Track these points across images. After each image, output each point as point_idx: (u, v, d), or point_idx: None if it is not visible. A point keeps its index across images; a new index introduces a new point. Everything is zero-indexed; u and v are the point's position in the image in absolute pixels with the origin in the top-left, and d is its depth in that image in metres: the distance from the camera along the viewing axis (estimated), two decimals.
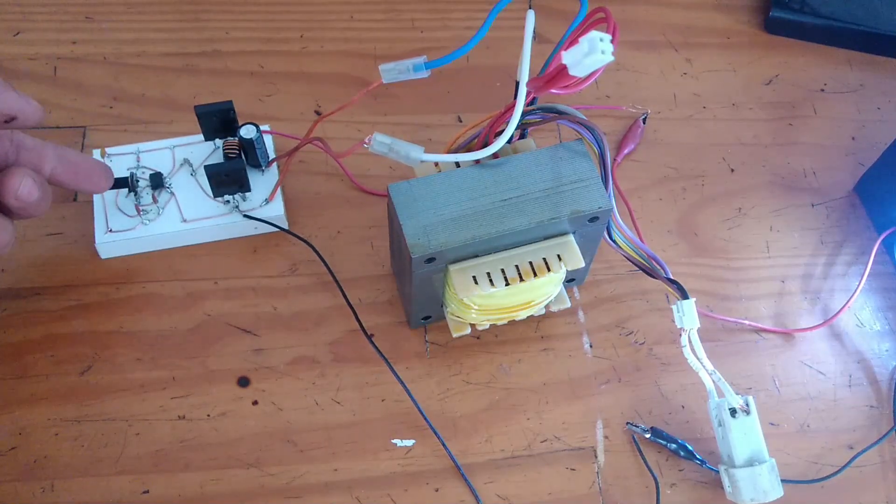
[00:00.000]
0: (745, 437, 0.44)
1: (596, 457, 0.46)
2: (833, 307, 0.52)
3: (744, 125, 0.58)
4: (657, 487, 0.46)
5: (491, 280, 0.42)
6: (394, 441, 0.46)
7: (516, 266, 0.42)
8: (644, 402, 0.48)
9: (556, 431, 0.47)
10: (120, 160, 0.50)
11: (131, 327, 0.48)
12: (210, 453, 0.45)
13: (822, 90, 0.60)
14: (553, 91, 0.39)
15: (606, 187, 0.43)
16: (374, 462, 0.45)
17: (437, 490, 0.45)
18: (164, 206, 0.49)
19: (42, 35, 0.57)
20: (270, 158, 0.50)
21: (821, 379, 0.50)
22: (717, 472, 0.45)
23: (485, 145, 0.43)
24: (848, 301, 0.51)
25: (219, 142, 0.51)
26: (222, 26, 0.58)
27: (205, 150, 0.51)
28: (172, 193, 0.50)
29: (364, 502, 0.44)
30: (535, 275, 0.42)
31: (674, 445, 0.46)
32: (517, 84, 0.41)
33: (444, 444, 0.46)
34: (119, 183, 0.48)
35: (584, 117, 0.43)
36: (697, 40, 0.62)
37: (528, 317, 0.48)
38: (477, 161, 0.43)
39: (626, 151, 0.56)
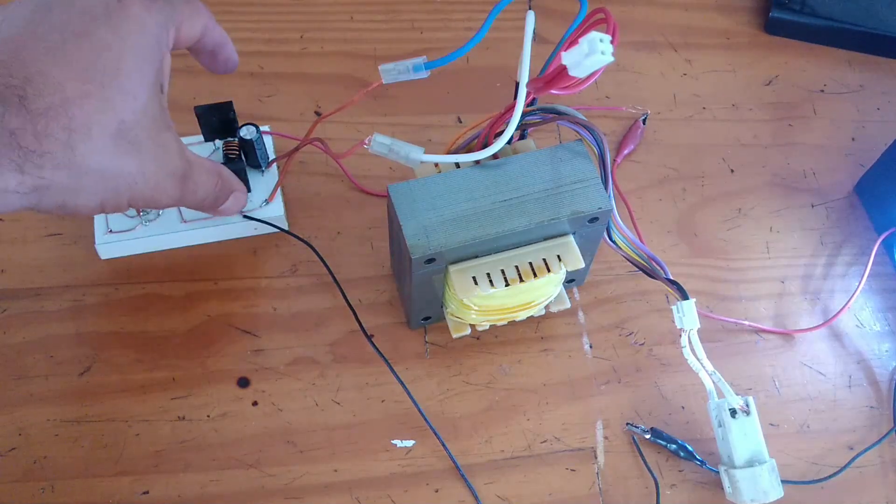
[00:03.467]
0: (745, 438, 0.44)
1: (596, 457, 0.46)
2: (833, 308, 0.52)
3: (744, 126, 0.58)
4: (657, 488, 0.46)
5: (491, 281, 0.42)
6: (394, 442, 0.46)
7: (516, 267, 0.42)
8: (644, 402, 0.48)
9: (555, 432, 0.47)
10: None
11: (131, 328, 0.48)
12: (210, 454, 0.45)
13: (822, 91, 0.60)
14: (553, 92, 0.39)
15: (606, 188, 0.43)
16: (374, 463, 0.45)
17: (437, 491, 0.45)
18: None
19: None
20: (270, 159, 0.50)
21: (821, 379, 0.50)
22: (718, 472, 0.45)
23: (485, 146, 0.43)
24: (848, 302, 0.51)
25: (218, 142, 0.51)
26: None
27: (204, 151, 0.51)
28: None
29: (364, 503, 0.44)
30: (534, 275, 0.42)
31: (674, 446, 0.46)
32: (517, 85, 0.41)
33: (444, 445, 0.46)
34: None
35: (584, 118, 0.43)
36: (697, 41, 0.62)
37: (527, 317, 0.48)
38: (477, 162, 0.43)
39: (625, 152, 0.56)
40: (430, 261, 0.41)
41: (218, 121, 0.49)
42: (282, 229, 0.50)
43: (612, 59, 0.36)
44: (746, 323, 0.50)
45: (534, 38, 0.41)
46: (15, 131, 0.31)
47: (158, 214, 0.49)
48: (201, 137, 0.50)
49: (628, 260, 0.45)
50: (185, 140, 0.51)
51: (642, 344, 0.50)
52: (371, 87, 0.43)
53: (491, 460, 0.46)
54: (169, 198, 0.37)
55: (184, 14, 0.38)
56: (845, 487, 0.47)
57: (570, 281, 0.50)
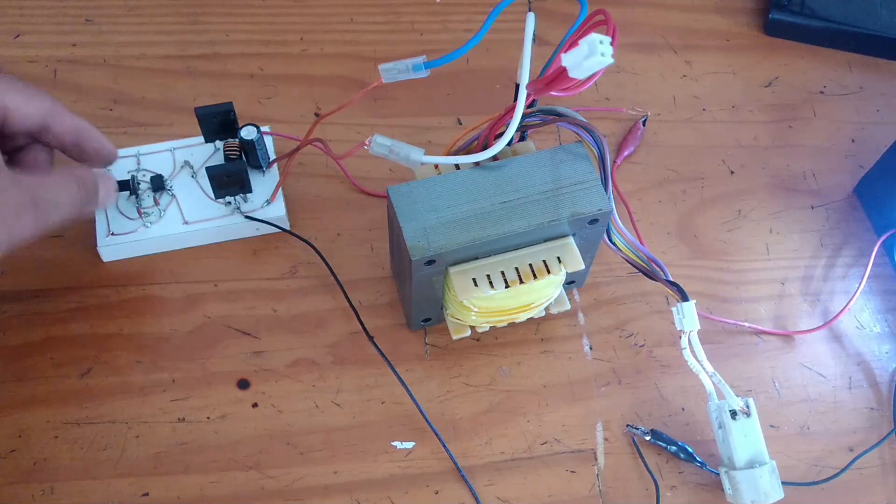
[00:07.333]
0: (745, 439, 0.44)
1: (596, 459, 0.46)
2: (833, 309, 0.52)
3: (743, 127, 0.58)
4: (657, 490, 0.46)
5: (491, 282, 0.42)
6: (394, 443, 0.46)
7: (516, 268, 0.42)
8: (644, 404, 0.48)
9: (556, 434, 0.47)
10: (120, 163, 0.50)
11: (131, 330, 0.48)
12: (210, 456, 0.45)
13: (822, 92, 0.60)
14: (553, 93, 0.39)
15: (606, 189, 0.43)
16: (374, 464, 0.45)
17: (437, 492, 0.45)
18: (165, 209, 0.49)
19: (42, 37, 0.57)
20: (271, 159, 0.50)
21: (821, 381, 0.50)
22: (718, 474, 0.45)
23: (485, 147, 0.43)
24: (848, 303, 0.51)
25: (219, 143, 0.51)
26: (222, 28, 0.58)
27: (205, 152, 0.51)
28: (173, 196, 0.50)
29: None
30: (534, 277, 0.42)
31: (674, 448, 0.46)
32: (517, 86, 0.41)
33: (444, 446, 0.46)
34: (120, 186, 0.49)
35: (584, 119, 0.43)
36: (697, 43, 0.62)
37: (527, 319, 0.48)
38: (477, 163, 0.43)
39: (625, 153, 0.56)
40: (430, 262, 0.41)
41: (219, 122, 0.49)
42: (284, 229, 0.50)
43: (611, 60, 0.36)
44: (746, 324, 0.50)
45: (534, 40, 0.41)
46: None
47: (160, 216, 0.49)
48: (202, 139, 0.50)
49: (628, 261, 0.45)
50: (186, 142, 0.51)
51: (642, 345, 0.50)
52: (370, 87, 0.43)
53: (491, 462, 0.46)
54: (28, 229, 0.39)
55: (15, 99, 0.40)
56: (846, 489, 0.47)
57: (570, 282, 0.50)
